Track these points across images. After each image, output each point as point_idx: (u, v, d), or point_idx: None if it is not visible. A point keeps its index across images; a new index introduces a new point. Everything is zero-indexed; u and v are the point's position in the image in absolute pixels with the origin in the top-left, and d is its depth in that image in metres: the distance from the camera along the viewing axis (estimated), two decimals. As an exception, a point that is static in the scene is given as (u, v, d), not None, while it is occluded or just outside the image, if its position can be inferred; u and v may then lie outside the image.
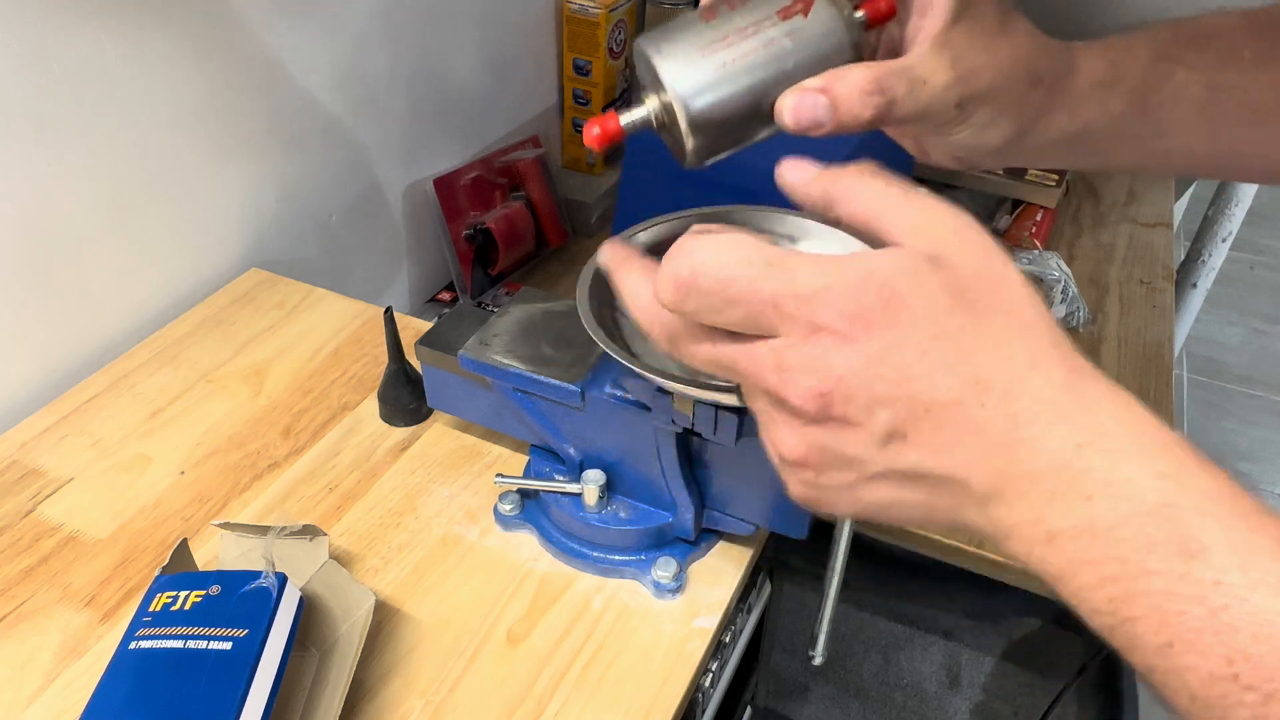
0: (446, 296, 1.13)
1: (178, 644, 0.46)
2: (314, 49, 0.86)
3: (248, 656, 0.45)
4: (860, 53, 0.40)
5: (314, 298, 0.82)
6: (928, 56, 0.39)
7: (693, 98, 0.39)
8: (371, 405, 0.70)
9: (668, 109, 0.40)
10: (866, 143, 0.96)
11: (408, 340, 0.67)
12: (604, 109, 1.23)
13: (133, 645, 0.46)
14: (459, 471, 0.66)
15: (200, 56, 0.75)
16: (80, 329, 0.73)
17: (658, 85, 0.40)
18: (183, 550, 0.53)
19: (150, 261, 0.78)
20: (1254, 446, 1.97)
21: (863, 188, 0.34)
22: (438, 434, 0.68)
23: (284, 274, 0.85)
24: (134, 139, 0.72)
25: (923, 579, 1.37)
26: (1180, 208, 1.66)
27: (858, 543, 0.65)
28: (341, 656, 0.50)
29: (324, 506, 0.63)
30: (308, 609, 0.51)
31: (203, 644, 0.46)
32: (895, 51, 0.42)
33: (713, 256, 0.32)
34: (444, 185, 1.05)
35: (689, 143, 0.40)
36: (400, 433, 0.68)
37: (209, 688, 0.44)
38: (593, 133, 0.41)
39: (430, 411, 0.69)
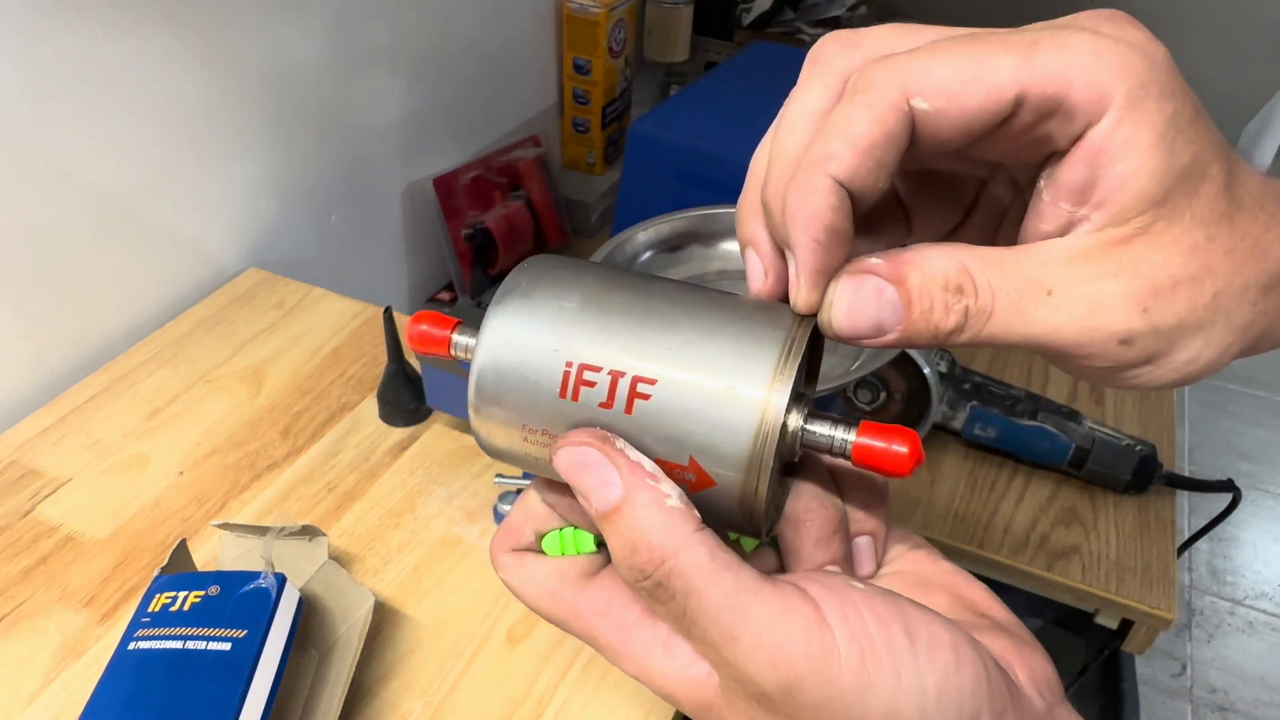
0: (446, 296, 1.13)
1: (177, 644, 0.46)
2: (313, 49, 0.86)
3: (247, 657, 0.45)
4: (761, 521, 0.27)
5: (313, 297, 0.82)
6: (1073, 244, 0.24)
7: (491, 376, 0.27)
8: (371, 405, 0.70)
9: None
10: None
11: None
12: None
13: (132, 646, 0.46)
14: (458, 472, 0.66)
15: (200, 56, 0.75)
16: (79, 328, 0.73)
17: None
18: (181, 551, 0.53)
19: (149, 261, 0.77)
20: (1255, 446, 1.97)
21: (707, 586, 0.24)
22: (437, 434, 0.68)
23: (283, 274, 0.85)
24: (133, 138, 0.72)
25: (923, 579, 1.37)
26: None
27: (858, 543, 0.65)
28: (341, 657, 0.50)
29: (323, 507, 0.63)
30: (307, 609, 0.51)
31: (202, 645, 0.46)
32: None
33: (519, 593, 0.30)
34: (443, 185, 1.05)
35: (473, 427, 0.29)
36: (399, 433, 0.68)
37: (208, 688, 0.44)
38: (419, 328, 0.30)
39: (429, 411, 0.69)
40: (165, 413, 0.69)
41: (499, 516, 0.61)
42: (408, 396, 0.68)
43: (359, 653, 0.49)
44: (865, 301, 0.24)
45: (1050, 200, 0.24)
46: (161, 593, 0.49)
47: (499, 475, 0.61)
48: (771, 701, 0.24)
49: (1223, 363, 0.25)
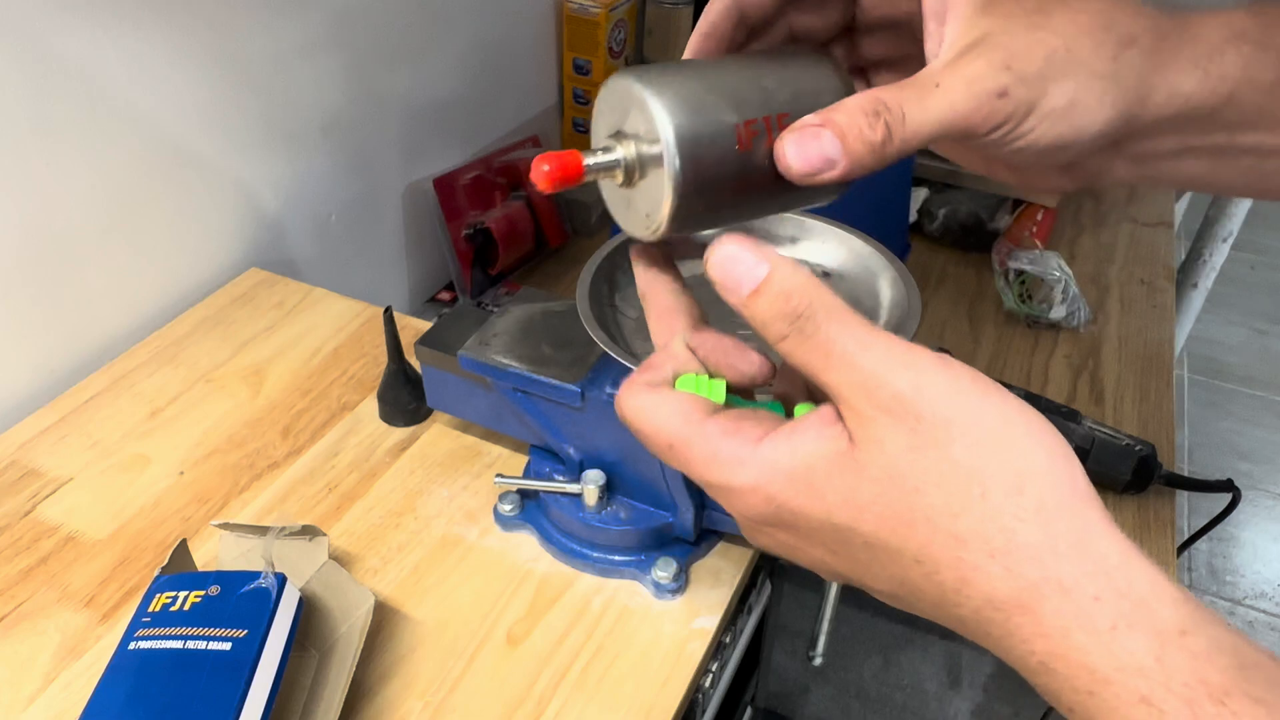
0: (446, 296, 1.13)
1: (177, 644, 0.46)
2: (313, 49, 0.86)
3: (247, 657, 0.45)
4: None
5: (313, 298, 0.82)
6: (946, 55, 0.32)
7: (688, 141, 0.33)
8: (371, 405, 0.70)
9: (646, 157, 0.34)
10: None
11: (407, 340, 0.67)
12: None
13: (132, 646, 0.46)
14: (458, 472, 0.65)
15: (200, 56, 0.75)
16: (79, 328, 0.73)
17: (640, 125, 0.34)
18: (182, 550, 0.53)
19: (149, 261, 0.77)
20: (1255, 446, 1.97)
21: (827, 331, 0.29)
22: (437, 434, 0.68)
23: (283, 274, 0.85)
24: (134, 138, 0.72)
25: (923, 579, 1.37)
26: (1181, 207, 1.67)
27: (858, 543, 0.65)
28: (341, 657, 0.50)
29: (323, 507, 0.63)
30: (307, 609, 0.51)
31: (202, 644, 0.46)
32: None
33: (638, 418, 0.33)
34: (444, 185, 1.05)
35: (668, 200, 0.33)
36: (400, 433, 0.68)
37: (208, 688, 0.44)
38: (542, 169, 0.32)
39: (430, 411, 0.69)
40: (166, 413, 0.69)
41: (499, 516, 0.61)
42: (408, 396, 0.68)
43: (359, 653, 0.49)
44: (808, 142, 0.32)
45: (926, 25, 0.33)
46: (162, 593, 0.49)
47: (499, 475, 0.61)
48: (901, 400, 0.27)
49: (1109, 113, 0.32)
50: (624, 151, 0.34)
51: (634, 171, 0.35)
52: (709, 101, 0.33)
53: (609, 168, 0.34)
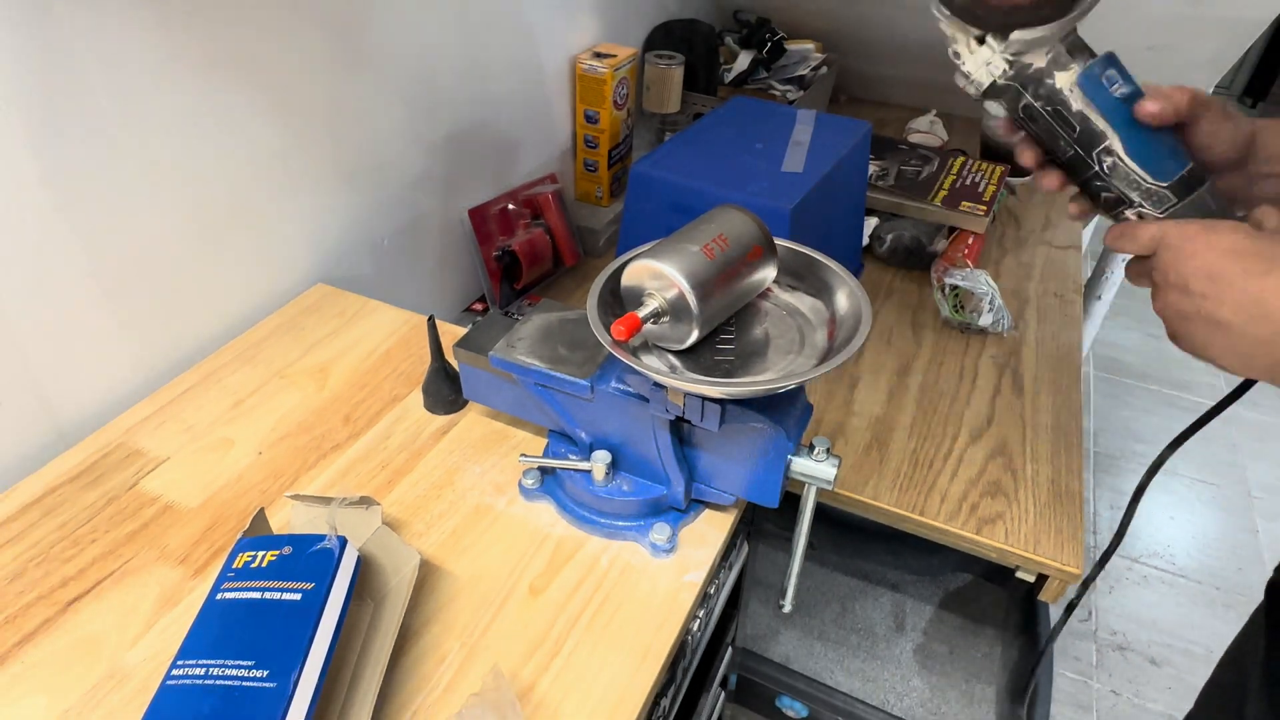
0: (479, 307, 1.13)
1: (256, 595, 0.46)
2: (371, 100, 0.86)
3: (314, 606, 0.45)
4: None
5: (369, 308, 0.82)
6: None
7: (697, 286, 0.48)
8: (417, 397, 0.70)
9: (670, 294, 0.48)
10: (830, 176, 0.95)
11: (447, 343, 0.67)
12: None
13: (219, 596, 0.46)
14: (489, 452, 0.65)
15: (275, 108, 0.75)
16: (175, 333, 0.73)
17: (655, 277, 0.48)
18: (260, 518, 0.53)
19: (233, 277, 0.77)
20: (1149, 431, 1.97)
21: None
22: (472, 421, 0.68)
23: (345, 288, 0.85)
24: (220, 176, 0.72)
25: (874, 541, 1.37)
26: (1088, 233, 1.66)
27: (820, 510, 0.65)
28: (392, 606, 0.50)
29: (378, 481, 0.63)
30: (364, 566, 0.51)
31: (277, 595, 0.46)
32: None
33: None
34: (477, 214, 1.05)
35: (690, 295, 0.48)
36: (440, 420, 0.68)
37: (282, 632, 0.44)
38: (619, 329, 0.46)
39: (466, 402, 0.69)
40: (247, 403, 0.69)
41: (523, 489, 0.61)
42: (448, 390, 0.68)
43: (407, 602, 0.49)
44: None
45: None
46: (243, 552, 0.49)
47: (523, 455, 0.61)
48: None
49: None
50: (658, 299, 0.48)
51: (666, 307, 0.48)
52: (679, 248, 0.49)
53: (655, 312, 0.48)
